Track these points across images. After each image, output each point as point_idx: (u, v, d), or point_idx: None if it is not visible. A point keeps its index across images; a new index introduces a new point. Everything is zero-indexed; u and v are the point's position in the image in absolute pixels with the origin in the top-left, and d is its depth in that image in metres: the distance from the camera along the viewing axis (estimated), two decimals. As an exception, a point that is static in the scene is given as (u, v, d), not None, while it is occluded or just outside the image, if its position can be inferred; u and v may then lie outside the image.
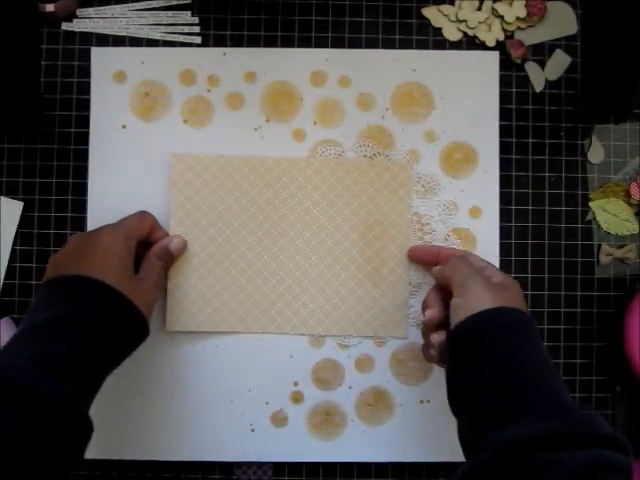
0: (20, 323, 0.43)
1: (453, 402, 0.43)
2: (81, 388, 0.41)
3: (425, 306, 0.49)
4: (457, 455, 0.42)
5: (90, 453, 0.55)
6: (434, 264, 0.50)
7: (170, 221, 0.56)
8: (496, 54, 0.58)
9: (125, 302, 0.44)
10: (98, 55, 0.57)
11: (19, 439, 0.36)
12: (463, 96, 0.57)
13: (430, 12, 0.58)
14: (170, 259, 0.53)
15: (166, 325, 0.55)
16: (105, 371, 0.44)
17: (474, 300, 0.43)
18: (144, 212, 0.53)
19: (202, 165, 0.56)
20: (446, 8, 0.58)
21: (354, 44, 0.58)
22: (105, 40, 0.58)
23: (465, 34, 0.58)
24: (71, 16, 0.57)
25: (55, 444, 0.38)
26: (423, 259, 0.55)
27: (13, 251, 0.57)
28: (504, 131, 0.58)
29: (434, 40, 0.58)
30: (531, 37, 0.58)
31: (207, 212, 0.56)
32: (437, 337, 0.46)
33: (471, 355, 0.42)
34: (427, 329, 0.48)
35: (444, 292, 0.47)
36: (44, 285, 0.44)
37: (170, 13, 0.58)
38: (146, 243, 0.52)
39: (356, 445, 0.56)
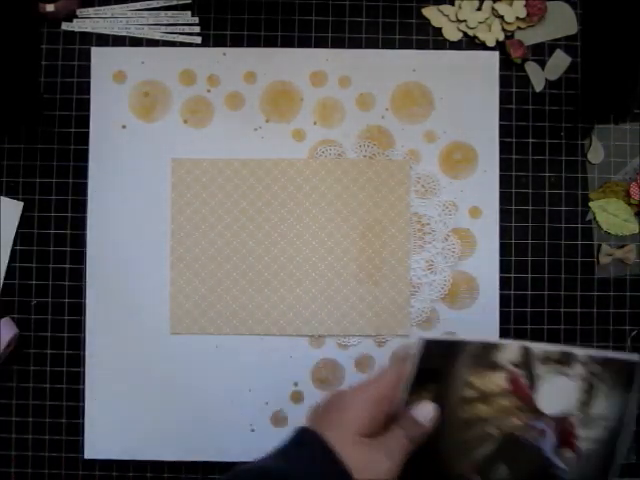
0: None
1: None
2: None
3: None
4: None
5: (91, 453, 0.56)
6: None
7: (171, 225, 0.56)
8: (496, 54, 0.58)
9: (336, 467, 0.38)
10: (98, 55, 0.57)
11: None
12: (463, 96, 0.57)
13: (430, 12, 0.58)
14: (421, 435, 0.40)
15: (170, 329, 0.56)
16: None
17: None
18: (390, 373, 0.42)
19: (201, 169, 0.56)
20: (446, 8, 0.58)
21: (354, 44, 0.58)
22: (105, 40, 0.58)
23: (465, 34, 0.58)
24: (71, 16, 0.57)
25: None
26: None
27: (13, 251, 0.57)
28: (504, 131, 0.58)
29: (434, 40, 0.58)
30: (531, 37, 0.58)
31: (207, 215, 0.56)
32: None
33: None
34: None
35: None
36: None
37: (170, 13, 0.58)
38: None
39: (356, 445, 0.56)
